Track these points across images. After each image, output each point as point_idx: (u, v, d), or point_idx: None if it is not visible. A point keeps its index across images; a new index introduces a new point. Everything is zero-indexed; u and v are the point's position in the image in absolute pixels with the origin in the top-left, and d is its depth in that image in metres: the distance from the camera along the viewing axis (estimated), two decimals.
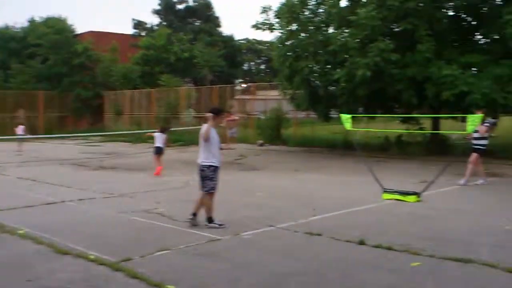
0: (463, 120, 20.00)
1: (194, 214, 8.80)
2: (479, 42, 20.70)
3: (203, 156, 8.64)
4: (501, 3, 19.07)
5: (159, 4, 67.51)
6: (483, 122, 12.77)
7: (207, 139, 8.55)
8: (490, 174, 14.78)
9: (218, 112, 8.91)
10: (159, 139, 16.37)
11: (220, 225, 8.60)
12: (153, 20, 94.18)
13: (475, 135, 13.05)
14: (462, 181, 13.13)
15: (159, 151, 16.32)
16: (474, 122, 10.86)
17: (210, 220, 8.67)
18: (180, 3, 68.74)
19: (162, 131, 16.78)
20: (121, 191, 12.65)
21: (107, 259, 6.76)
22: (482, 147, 13.23)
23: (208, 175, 8.61)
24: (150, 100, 39.31)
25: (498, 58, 18.06)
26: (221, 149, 9.74)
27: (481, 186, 13.03)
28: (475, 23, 20.56)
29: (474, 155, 13.20)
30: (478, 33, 20.66)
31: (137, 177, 15.84)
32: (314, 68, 20.94)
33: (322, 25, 21.57)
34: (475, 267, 6.33)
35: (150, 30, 63.72)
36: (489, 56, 18.24)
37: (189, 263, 6.76)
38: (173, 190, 12.97)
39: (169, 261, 6.85)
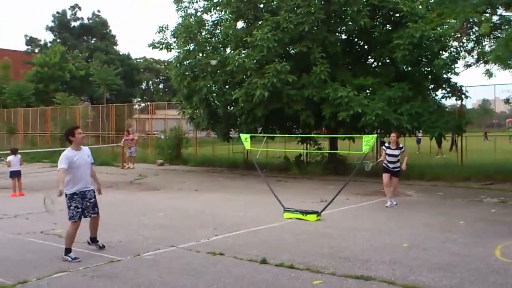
0: (354, 140, 20.85)
1: (93, 240, 8.55)
2: (372, 65, 21.70)
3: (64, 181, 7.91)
4: (390, 28, 20.15)
5: (53, 21, 65.25)
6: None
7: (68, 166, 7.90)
8: (384, 193, 15.32)
9: (72, 132, 8.25)
10: (14, 162, 16.20)
11: (74, 258, 7.76)
12: (47, 37, 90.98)
13: (393, 159, 12.95)
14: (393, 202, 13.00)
15: (16, 174, 16.14)
16: (369, 142, 11.23)
17: (67, 251, 7.90)
18: (75, 20, 66.88)
19: (14, 153, 16.54)
20: (16, 212, 12.18)
21: (2, 282, 6.48)
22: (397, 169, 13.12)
23: (66, 203, 8.05)
24: (45, 119, 37.77)
25: (389, 81, 19.02)
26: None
27: (376, 205, 13.43)
28: (366, 47, 21.55)
29: (395, 179, 13.13)
30: (370, 57, 21.67)
31: (32, 197, 14.95)
32: (213, 88, 20.92)
33: (219, 45, 21.69)
34: (375, 284, 6.44)
35: (44, 47, 61.49)
36: (380, 79, 19.15)
37: (87, 285, 6.58)
38: None
39: (67, 283, 6.67)
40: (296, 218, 11.08)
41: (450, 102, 21.81)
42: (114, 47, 67.86)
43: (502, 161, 20.41)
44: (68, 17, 66.01)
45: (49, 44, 61.57)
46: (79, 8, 66.35)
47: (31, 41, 63.77)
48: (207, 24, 22.23)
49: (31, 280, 6.72)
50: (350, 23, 19.90)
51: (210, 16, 22.50)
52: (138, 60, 74.24)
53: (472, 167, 19.51)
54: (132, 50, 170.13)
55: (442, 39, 17.76)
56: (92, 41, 67.21)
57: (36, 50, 60.78)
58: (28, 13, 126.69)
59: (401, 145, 13.08)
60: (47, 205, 7.85)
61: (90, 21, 66.76)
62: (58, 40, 62.47)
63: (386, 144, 13.25)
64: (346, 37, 21.49)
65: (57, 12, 65.24)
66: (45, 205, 7.86)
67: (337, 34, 20.53)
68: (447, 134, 19.82)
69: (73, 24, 66.41)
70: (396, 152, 12.91)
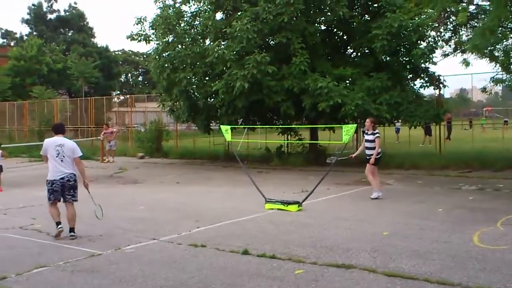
0: (334, 130, 20.94)
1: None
2: (351, 55, 21.78)
3: (72, 167, 8.98)
4: (369, 18, 20.22)
5: (29, 13, 64.36)
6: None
7: None
8: (366, 182, 15.42)
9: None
10: None
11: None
12: (23, 30, 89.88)
13: (369, 145, 12.58)
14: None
15: None
16: (349, 132, 11.28)
17: (73, 229, 8.84)
18: (51, 12, 66.02)
19: None
20: None
21: None
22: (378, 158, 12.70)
23: (77, 186, 9.01)
24: (22, 113, 37.26)
25: (368, 71, 19.11)
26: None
27: (356, 194, 13.51)
28: (346, 37, 21.61)
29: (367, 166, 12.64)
30: (349, 47, 21.74)
31: (10, 192, 14.86)
32: (193, 80, 20.82)
33: (199, 37, 21.57)
34: (356, 273, 6.50)
35: (20, 40, 60.75)
36: (360, 69, 19.23)
37: (68, 280, 6.52)
38: None
39: (46, 278, 6.61)
40: (278, 209, 11.11)
41: (428, 91, 22.08)
42: (92, 39, 67.22)
43: (480, 149, 20.71)
44: (44, 9, 65.18)
45: (25, 37, 60.83)
46: (55, 0, 65.96)
47: (6, 34, 62.95)
48: (186, 16, 22.06)
49: (10, 276, 6.65)
50: (329, 13, 19.87)
51: (189, 7, 22.36)
52: (117, 53, 73.58)
53: (450, 155, 19.76)
54: (110, 42, 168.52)
55: (420, 28, 17.93)
56: (69, 34, 66.47)
57: (12, 43, 60.02)
58: (3, 5, 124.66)
59: (376, 131, 12.64)
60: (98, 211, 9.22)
61: (67, 13, 65.96)
62: (34, 33, 61.75)
63: (365, 130, 13.20)
64: (325, 27, 21.54)
65: (33, 5, 64.48)
66: (97, 212, 9.20)
67: (316, 24, 20.53)
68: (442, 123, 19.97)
69: (50, 16, 65.63)
70: (370, 137, 12.57)
